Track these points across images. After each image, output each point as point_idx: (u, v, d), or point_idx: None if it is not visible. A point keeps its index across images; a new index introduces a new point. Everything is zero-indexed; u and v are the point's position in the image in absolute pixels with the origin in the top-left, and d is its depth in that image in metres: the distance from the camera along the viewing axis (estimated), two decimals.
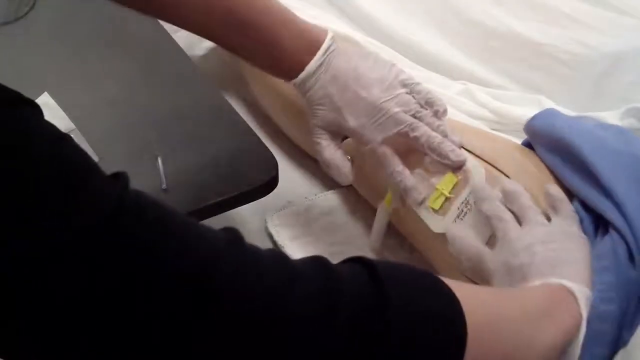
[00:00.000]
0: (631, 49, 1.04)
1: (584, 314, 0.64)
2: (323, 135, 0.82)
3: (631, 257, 0.67)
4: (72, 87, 0.96)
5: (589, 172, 0.71)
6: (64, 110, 0.92)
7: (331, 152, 0.82)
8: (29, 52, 1.02)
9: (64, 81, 0.97)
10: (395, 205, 0.85)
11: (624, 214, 0.68)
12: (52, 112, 0.92)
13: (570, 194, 0.75)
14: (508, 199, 0.74)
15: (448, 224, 0.79)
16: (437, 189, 0.80)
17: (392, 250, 0.92)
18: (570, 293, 0.65)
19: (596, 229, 0.71)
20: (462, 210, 0.77)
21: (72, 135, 0.89)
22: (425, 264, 0.87)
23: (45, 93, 0.93)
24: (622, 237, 0.67)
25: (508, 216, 0.72)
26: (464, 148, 0.81)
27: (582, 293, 0.65)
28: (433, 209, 0.80)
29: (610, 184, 0.69)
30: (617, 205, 0.68)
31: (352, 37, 1.03)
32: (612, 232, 0.68)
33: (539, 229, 0.70)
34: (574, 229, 0.71)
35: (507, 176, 0.77)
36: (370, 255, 0.84)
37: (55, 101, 0.93)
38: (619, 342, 0.65)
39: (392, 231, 0.92)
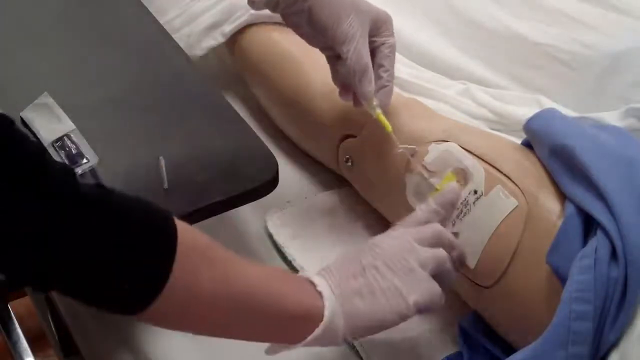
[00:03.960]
0: (631, 49, 1.04)
1: (327, 312, 0.67)
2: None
3: (614, 257, 0.66)
4: (72, 87, 0.96)
5: (582, 173, 0.71)
6: (64, 110, 0.92)
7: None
8: (29, 52, 1.02)
9: (64, 81, 0.97)
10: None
11: (613, 215, 0.67)
12: (52, 112, 0.92)
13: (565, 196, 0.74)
14: None
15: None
16: (436, 189, 0.80)
17: None
18: (313, 285, 0.69)
19: (587, 232, 0.71)
20: (462, 211, 0.77)
21: (72, 135, 0.90)
22: None
23: (45, 93, 0.93)
24: (607, 236, 0.67)
25: None
26: (463, 148, 0.81)
27: (327, 291, 0.69)
28: None
29: (602, 185, 0.69)
30: (608, 207, 0.68)
31: None
32: (598, 232, 0.68)
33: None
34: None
35: (507, 176, 0.77)
36: None
37: (55, 101, 0.93)
38: (600, 342, 0.65)
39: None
